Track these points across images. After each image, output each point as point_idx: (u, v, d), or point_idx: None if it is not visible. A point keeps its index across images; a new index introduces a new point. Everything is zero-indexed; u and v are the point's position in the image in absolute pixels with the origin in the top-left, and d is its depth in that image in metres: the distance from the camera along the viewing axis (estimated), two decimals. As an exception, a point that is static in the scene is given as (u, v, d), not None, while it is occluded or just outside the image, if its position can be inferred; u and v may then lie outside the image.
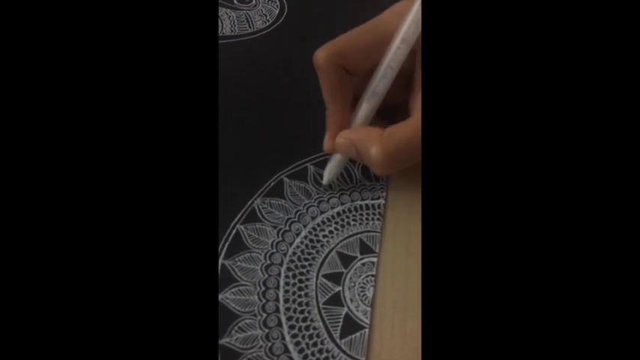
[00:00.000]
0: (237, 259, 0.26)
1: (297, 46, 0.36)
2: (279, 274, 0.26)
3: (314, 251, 0.26)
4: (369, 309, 0.25)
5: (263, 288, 0.25)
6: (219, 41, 0.36)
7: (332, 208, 0.28)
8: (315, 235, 0.27)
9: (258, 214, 0.28)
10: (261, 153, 0.30)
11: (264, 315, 0.24)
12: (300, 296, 0.25)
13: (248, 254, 0.26)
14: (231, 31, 0.37)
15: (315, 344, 0.23)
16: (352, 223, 0.28)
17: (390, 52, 0.26)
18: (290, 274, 0.26)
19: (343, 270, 0.26)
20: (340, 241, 0.27)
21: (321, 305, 0.25)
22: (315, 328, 0.24)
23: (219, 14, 0.39)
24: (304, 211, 0.28)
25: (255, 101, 0.33)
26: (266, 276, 0.25)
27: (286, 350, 0.23)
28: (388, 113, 0.28)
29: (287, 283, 0.25)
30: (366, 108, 0.27)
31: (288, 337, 0.24)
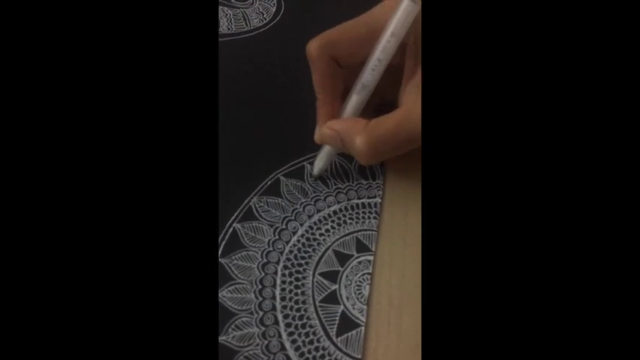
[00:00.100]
0: (233, 258, 0.26)
1: (293, 45, 0.36)
2: (275, 273, 0.26)
3: (310, 249, 0.27)
4: (365, 307, 0.25)
5: (260, 286, 0.25)
6: (216, 39, 0.36)
7: (328, 206, 0.28)
8: (312, 234, 0.27)
9: (255, 213, 0.28)
10: (258, 152, 0.30)
11: (261, 313, 0.24)
12: (296, 294, 0.25)
13: (245, 252, 0.26)
14: (228, 29, 0.37)
15: (311, 342, 0.24)
16: (348, 221, 0.28)
17: (379, 45, 0.26)
18: (287, 272, 0.26)
19: (339, 268, 0.26)
20: (337, 240, 0.27)
21: (317, 303, 0.25)
22: (311, 326, 0.24)
23: (216, 12, 0.39)
24: (301, 209, 0.28)
25: (251, 100, 0.33)
26: (263, 274, 0.26)
27: (283, 348, 0.23)
28: (386, 109, 0.28)
29: (283, 282, 0.25)
30: (355, 100, 0.27)
31: (284, 335, 0.24)
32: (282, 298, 0.25)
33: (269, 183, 0.29)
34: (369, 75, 0.27)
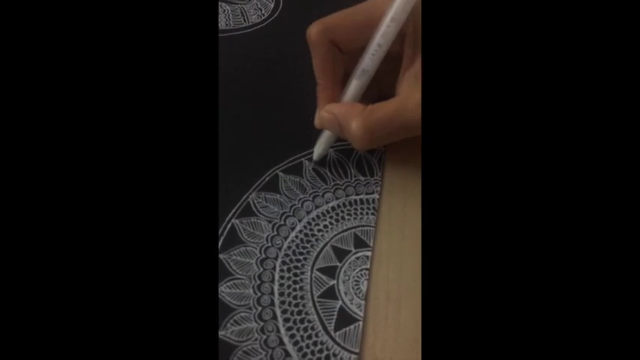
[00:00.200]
0: (232, 253, 0.26)
1: (292, 41, 0.36)
2: (274, 268, 0.26)
3: (309, 245, 0.27)
4: (363, 302, 0.25)
5: (258, 281, 0.25)
6: (214, 35, 0.36)
7: (327, 202, 0.28)
8: (310, 230, 0.27)
9: (254, 209, 0.28)
10: (256, 148, 0.30)
11: (260, 308, 0.24)
12: (295, 290, 0.25)
13: (243, 248, 0.26)
14: (226, 25, 0.37)
15: (309, 337, 0.24)
16: (347, 217, 0.28)
17: (379, 30, 0.26)
18: (285, 267, 0.26)
19: (338, 264, 0.26)
20: (335, 236, 0.27)
21: (315, 298, 0.25)
22: (309, 321, 0.24)
23: (214, 8, 0.39)
24: (299, 205, 0.28)
25: (249, 96, 0.33)
26: (261, 270, 0.26)
27: (281, 343, 0.23)
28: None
29: (282, 277, 0.25)
30: (355, 85, 0.28)
31: (283, 330, 0.24)
32: (281, 294, 0.25)
33: (267, 179, 0.29)
34: (369, 60, 0.27)
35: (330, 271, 0.26)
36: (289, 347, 0.23)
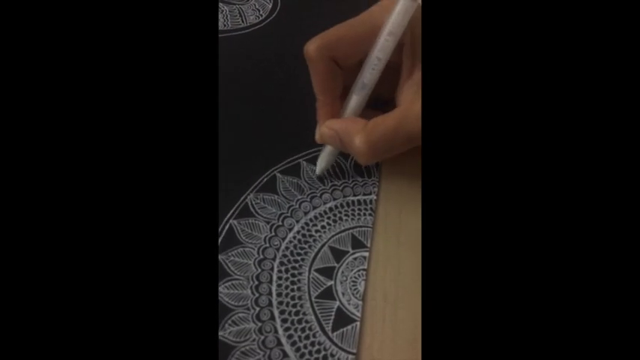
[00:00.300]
0: (230, 254, 0.26)
1: (290, 42, 0.36)
2: (272, 269, 0.26)
3: (306, 246, 0.27)
4: (360, 302, 0.25)
5: (256, 282, 0.25)
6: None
7: (324, 203, 0.28)
8: (308, 230, 0.27)
9: (251, 210, 0.28)
10: (254, 149, 0.30)
11: (257, 309, 0.25)
12: (292, 290, 0.25)
13: (241, 249, 0.26)
14: (224, 25, 0.37)
15: (307, 337, 0.24)
16: (344, 218, 0.28)
17: (377, 43, 0.26)
18: (283, 268, 0.26)
19: (335, 264, 0.26)
20: (332, 236, 0.27)
21: (313, 299, 0.25)
22: (307, 322, 0.24)
23: (212, 8, 0.38)
24: (297, 206, 0.28)
25: (247, 96, 0.33)
26: (259, 270, 0.26)
27: (279, 343, 0.24)
28: (381, 106, 0.29)
29: (280, 278, 0.26)
30: (355, 100, 0.28)
31: (280, 331, 0.24)
32: (279, 294, 0.25)
33: (265, 180, 0.29)
34: (369, 74, 0.27)
35: (328, 272, 0.26)
36: (287, 348, 0.23)
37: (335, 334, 0.24)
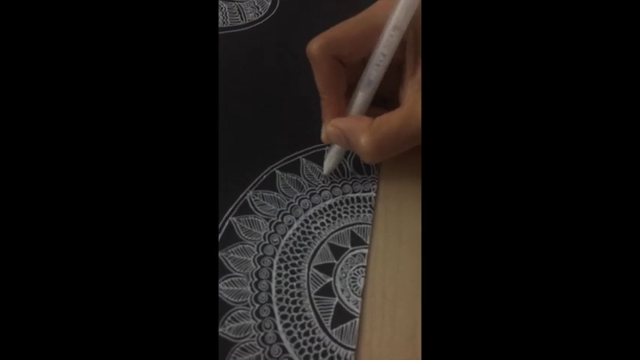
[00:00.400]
0: (229, 251, 0.26)
1: (289, 39, 0.36)
2: (271, 266, 0.26)
3: (306, 243, 0.27)
4: (359, 299, 0.25)
5: (255, 279, 0.25)
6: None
7: (324, 200, 0.29)
8: (307, 227, 0.27)
9: (251, 207, 0.28)
10: (254, 145, 0.30)
11: (257, 305, 0.25)
12: (292, 287, 0.25)
13: (241, 246, 0.26)
14: (223, 22, 0.37)
15: (306, 333, 0.24)
16: (344, 215, 0.28)
17: (382, 39, 0.26)
18: (282, 265, 0.26)
19: (334, 261, 0.26)
20: (332, 233, 0.27)
21: (312, 296, 0.25)
22: (306, 318, 0.24)
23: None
24: (296, 203, 0.28)
25: (246, 94, 0.33)
26: (258, 267, 0.26)
27: (279, 339, 0.24)
28: (383, 103, 0.29)
29: (279, 274, 0.26)
30: (361, 97, 0.28)
31: (280, 327, 0.24)
32: (278, 291, 0.25)
33: (265, 177, 0.29)
34: (374, 70, 0.27)
35: (327, 269, 0.26)
36: (287, 344, 0.24)
37: (334, 330, 0.24)
